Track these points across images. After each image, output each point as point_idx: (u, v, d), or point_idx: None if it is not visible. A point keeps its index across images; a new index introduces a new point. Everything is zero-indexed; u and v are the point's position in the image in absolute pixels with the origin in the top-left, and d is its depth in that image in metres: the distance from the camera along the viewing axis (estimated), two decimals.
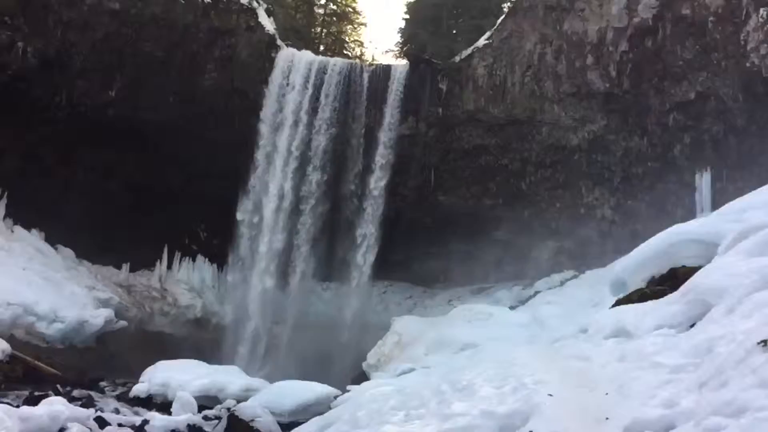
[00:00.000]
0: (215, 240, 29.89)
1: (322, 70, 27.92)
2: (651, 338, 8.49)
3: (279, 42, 28.58)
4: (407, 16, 37.86)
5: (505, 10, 29.91)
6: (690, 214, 21.49)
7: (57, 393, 15.60)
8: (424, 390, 9.83)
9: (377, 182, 27.43)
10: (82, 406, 14.53)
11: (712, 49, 22.28)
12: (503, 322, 19.76)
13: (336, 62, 28.90)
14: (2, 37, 24.49)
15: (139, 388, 17.49)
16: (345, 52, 40.01)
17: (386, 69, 28.82)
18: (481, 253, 27.70)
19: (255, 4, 28.34)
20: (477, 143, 27.85)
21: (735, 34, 21.57)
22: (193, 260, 30.15)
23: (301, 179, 27.40)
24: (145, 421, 13.42)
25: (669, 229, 12.92)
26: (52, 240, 26.14)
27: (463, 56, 27.80)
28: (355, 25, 42.40)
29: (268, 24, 28.57)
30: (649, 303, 10.38)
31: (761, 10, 20.95)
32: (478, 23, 31.15)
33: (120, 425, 13.58)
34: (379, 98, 27.76)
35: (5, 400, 14.02)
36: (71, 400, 15.20)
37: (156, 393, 17.17)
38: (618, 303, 12.35)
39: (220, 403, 16.21)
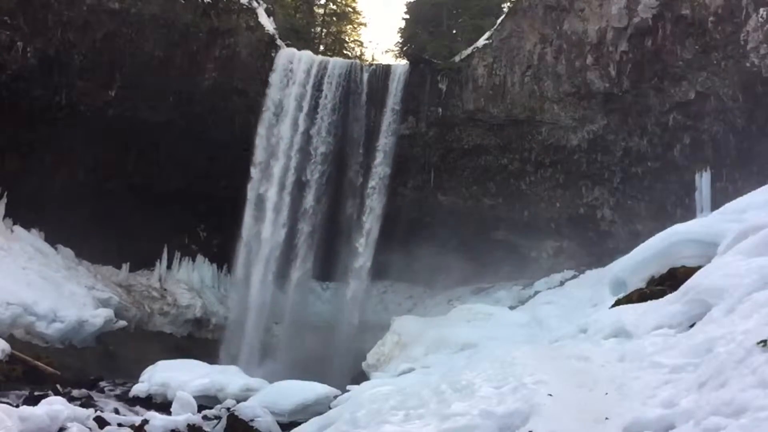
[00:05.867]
0: (215, 240, 29.97)
1: (322, 70, 27.90)
2: (651, 338, 8.50)
3: (279, 42, 28.57)
4: (407, 16, 37.83)
5: (505, 10, 29.90)
6: (690, 214, 21.47)
7: (57, 393, 15.64)
8: (424, 390, 9.82)
9: (377, 182, 27.42)
10: (81, 405, 14.56)
11: (712, 49, 22.26)
12: (503, 322, 19.74)
13: (336, 62, 28.89)
14: (2, 37, 24.47)
15: (139, 388, 17.54)
16: (345, 52, 39.93)
17: (386, 69, 28.78)
18: (481, 253, 27.70)
19: (255, 4, 28.34)
20: (477, 143, 27.85)
21: (735, 34, 21.55)
22: (193, 260, 30.17)
23: (301, 179, 27.39)
24: (145, 421, 13.40)
25: (669, 229, 12.94)
26: (51, 240, 26.14)
27: (463, 56, 27.80)
28: (355, 25, 42.33)
29: (268, 24, 28.57)
30: (649, 303, 10.39)
31: (761, 10, 20.93)
32: (478, 23, 31.13)
33: (119, 425, 13.61)
34: (379, 98, 27.74)
35: (5, 400, 14.05)
36: (71, 399, 15.24)
37: (156, 393, 17.23)
38: (618, 303, 12.35)
39: (220, 402, 16.24)
